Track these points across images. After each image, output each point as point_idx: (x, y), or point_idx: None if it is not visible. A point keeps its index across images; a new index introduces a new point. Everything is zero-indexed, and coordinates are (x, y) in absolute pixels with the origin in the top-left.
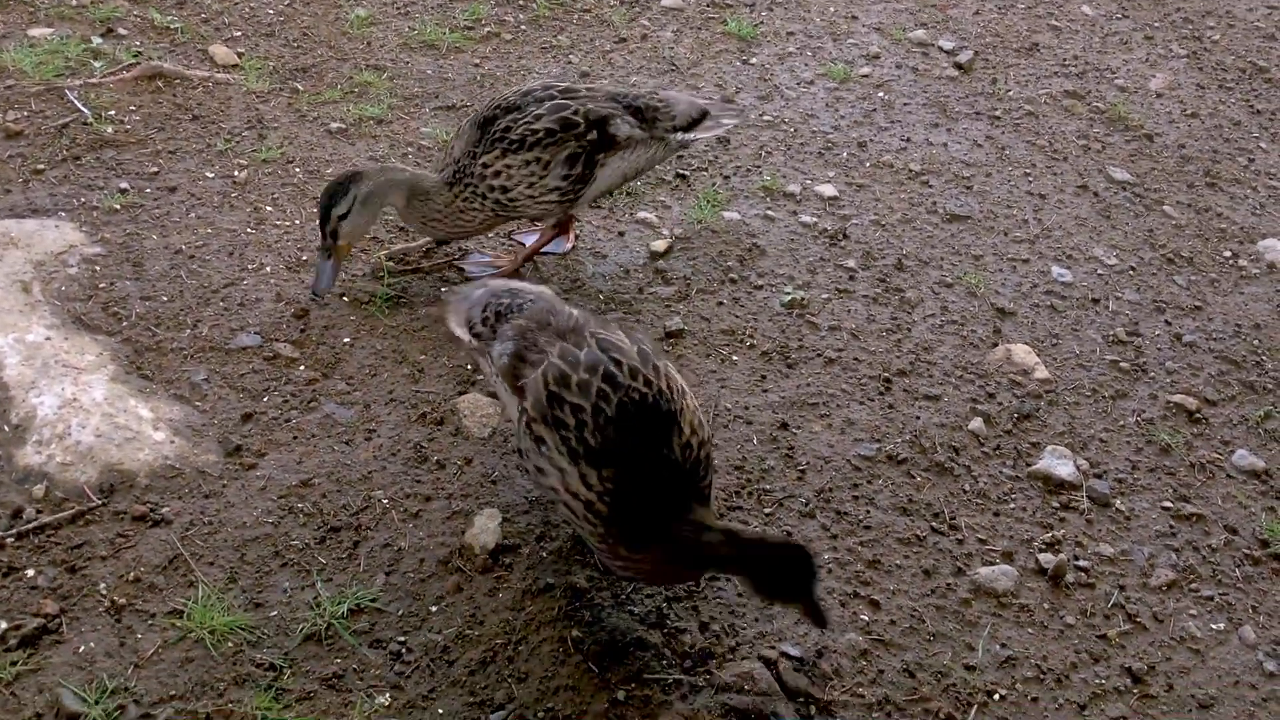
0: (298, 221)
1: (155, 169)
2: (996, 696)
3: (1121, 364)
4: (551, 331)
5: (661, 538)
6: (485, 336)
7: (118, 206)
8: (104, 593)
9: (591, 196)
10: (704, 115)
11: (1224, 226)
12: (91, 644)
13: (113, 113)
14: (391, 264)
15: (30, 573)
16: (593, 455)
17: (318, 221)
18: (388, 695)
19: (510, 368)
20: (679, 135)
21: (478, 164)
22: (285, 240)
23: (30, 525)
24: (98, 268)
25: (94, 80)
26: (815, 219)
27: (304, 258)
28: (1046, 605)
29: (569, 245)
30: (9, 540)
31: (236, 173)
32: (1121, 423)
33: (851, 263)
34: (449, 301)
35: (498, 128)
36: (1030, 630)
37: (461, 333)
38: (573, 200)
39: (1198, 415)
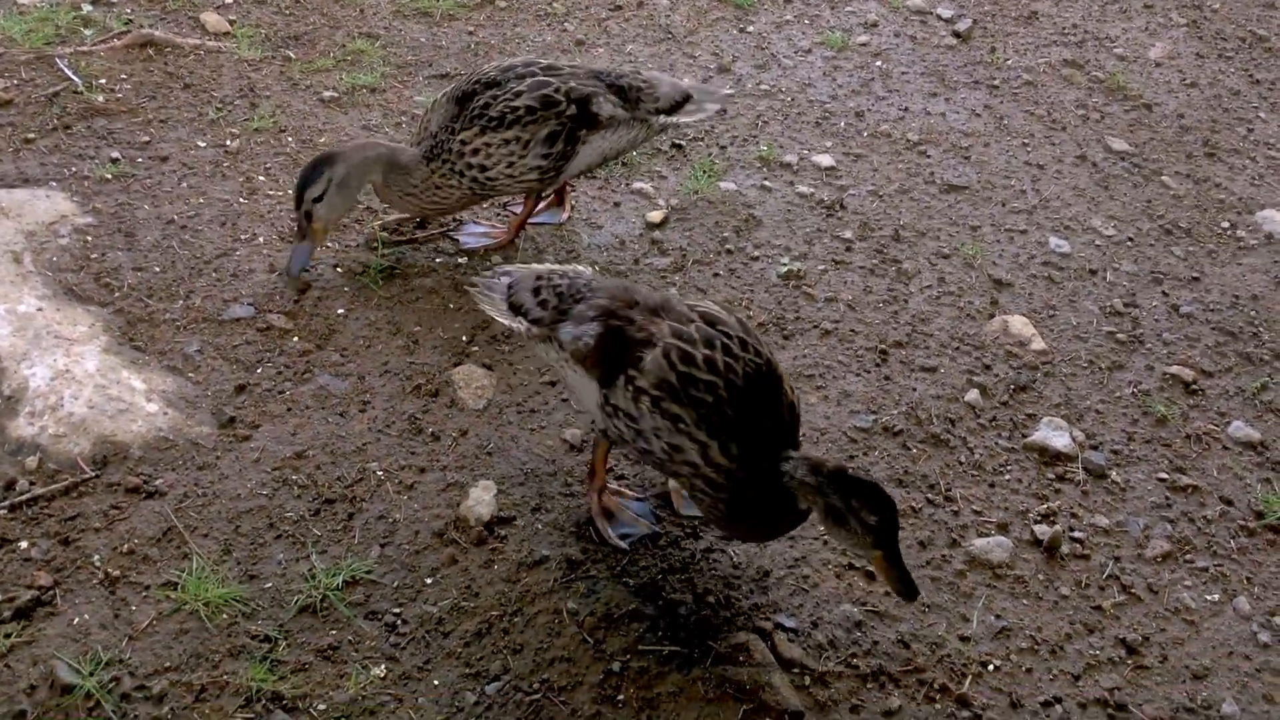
0: (290, 191)
1: (147, 138)
2: (991, 667)
3: (1118, 335)
4: (643, 309)
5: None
6: (547, 320)
7: (109, 176)
8: (98, 565)
9: (572, 174)
10: (687, 98)
11: (1222, 197)
12: (86, 616)
13: (104, 81)
14: (385, 234)
15: (24, 544)
16: (730, 426)
17: (293, 203)
18: (383, 666)
19: (596, 349)
20: (661, 118)
21: (455, 141)
22: (278, 210)
23: (23, 497)
24: (89, 238)
25: (84, 48)
26: (812, 189)
27: (297, 228)
28: (1041, 576)
29: (565, 215)
30: (2, 512)
31: (228, 142)
32: (1118, 394)
33: (848, 233)
34: (478, 293)
35: (477, 104)
36: (1025, 601)
37: (510, 320)
38: (554, 177)
39: (1194, 386)
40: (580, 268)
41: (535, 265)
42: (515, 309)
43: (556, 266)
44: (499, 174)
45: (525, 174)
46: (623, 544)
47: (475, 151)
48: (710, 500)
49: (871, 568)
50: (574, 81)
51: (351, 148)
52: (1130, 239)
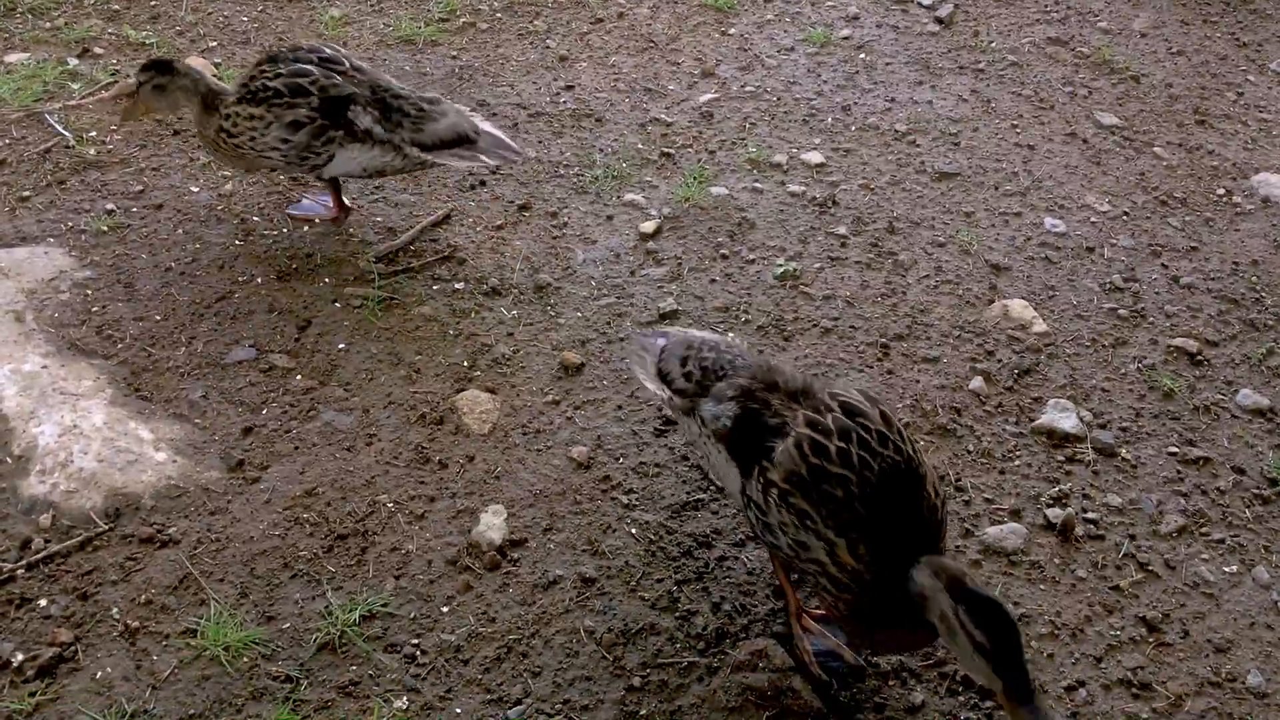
0: (285, 230)
1: (140, 187)
2: None
3: (1120, 311)
4: (782, 393)
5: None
6: (690, 393)
7: (105, 228)
8: (117, 617)
9: (333, 174)
10: (463, 140)
11: (1216, 164)
12: (108, 669)
13: (94, 134)
14: (381, 266)
15: (43, 602)
16: (861, 524)
17: None
18: (405, 699)
19: (732, 431)
20: (416, 151)
21: (223, 102)
22: (274, 250)
23: (39, 555)
24: (89, 291)
25: (73, 102)
26: (803, 188)
27: (294, 266)
28: (1057, 560)
29: (333, 213)
30: (19, 572)
31: (222, 186)
32: (1123, 371)
33: (842, 229)
34: (631, 351)
35: (251, 74)
36: (1042, 587)
37: (656, 387)
38: (304, 168)
39: (1199, 357)
40: (733, 338)
41: (692, 332)
42: (662, 376)
43: (710, 336)
44: (243, 143)
45: (267, 150)
46: (825, 677)
47: (227, 117)
48: (832, 597)
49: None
50: (339, 80)
51: (186, 69)
52: (1126, 213)
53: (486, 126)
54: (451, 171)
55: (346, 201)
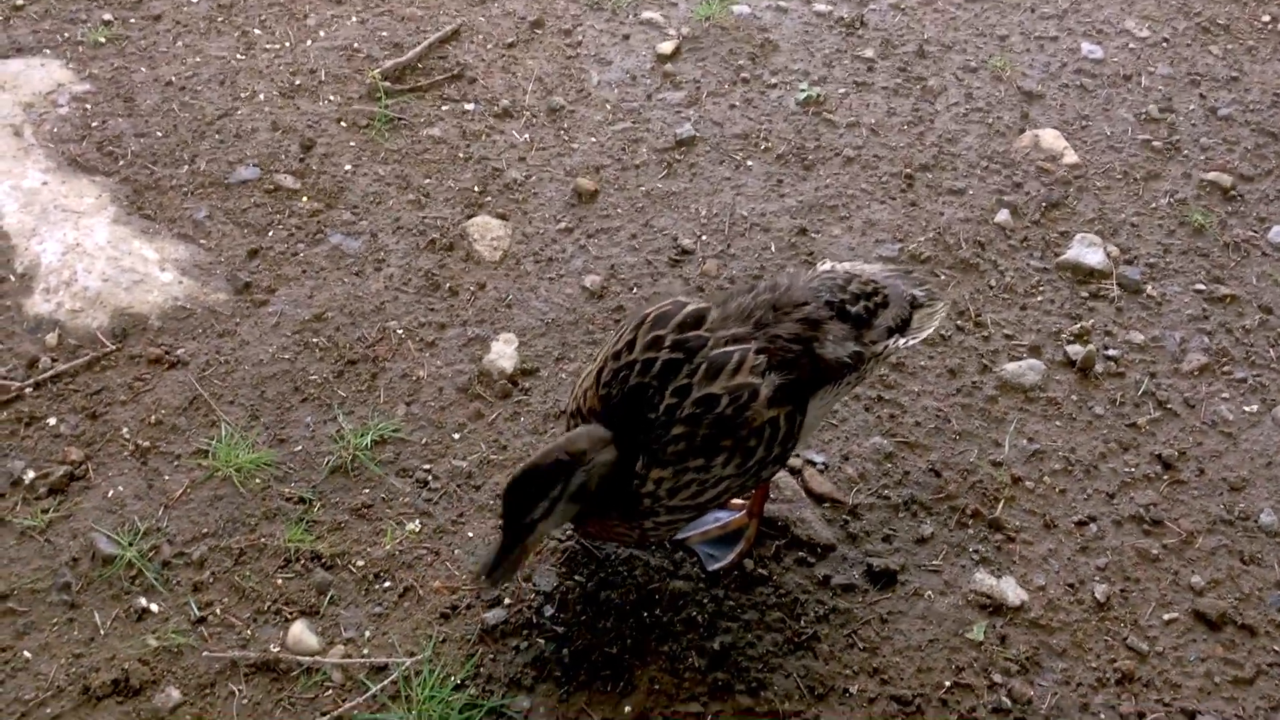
0: (287, 44)
1: None
2: (1024, 490)
3: (1154, 143)
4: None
5: None
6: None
7: (103, 40)
8: (127, 437)
9: None
10: None
11: None
12: (120, 488)
13: None
14: (387, 83)
15: (52, 421)
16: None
17: None
18: (417, 522)
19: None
20: None
21: None
22: (276, 65)
23: (47, 374)
24: (88, 106)
25: None
26: (830, 7)
27: (297, 83)
28: (1075, 397)
29: None
30: (28, 390)
31: None
32: (1153, 205)
33: (870, 52)
34: None
35: None
36: (1058, 423)
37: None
38: None
39: (1233, 192)
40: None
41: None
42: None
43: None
44: None
45: None
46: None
47: None
48: None
49: None
50: None
51: None
52: (1166, 40)
53: None
54: None
55: None
